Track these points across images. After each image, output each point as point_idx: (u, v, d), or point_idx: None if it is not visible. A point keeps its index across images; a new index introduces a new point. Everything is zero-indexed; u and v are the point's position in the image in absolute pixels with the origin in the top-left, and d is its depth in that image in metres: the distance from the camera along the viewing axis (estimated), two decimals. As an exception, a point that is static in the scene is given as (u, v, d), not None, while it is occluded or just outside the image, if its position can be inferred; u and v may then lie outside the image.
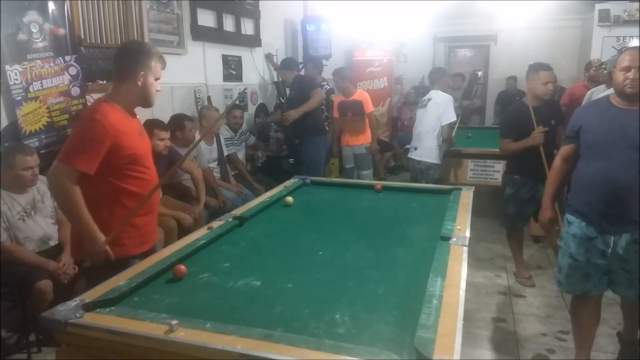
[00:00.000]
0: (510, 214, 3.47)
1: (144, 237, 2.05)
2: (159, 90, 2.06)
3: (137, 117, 2.11)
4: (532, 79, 3.30)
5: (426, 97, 4.23)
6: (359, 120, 4.81)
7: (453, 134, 4.29)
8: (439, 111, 4.04)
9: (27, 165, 2.57)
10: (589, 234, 2.16)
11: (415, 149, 4.17)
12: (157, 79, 2.02)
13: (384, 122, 7.14)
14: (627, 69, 2.03)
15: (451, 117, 4.06)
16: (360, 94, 4.89)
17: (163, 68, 2.06)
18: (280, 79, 5.26)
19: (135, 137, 2.00)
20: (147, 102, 2.04)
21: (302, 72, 5.28)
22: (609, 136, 2.07)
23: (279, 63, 5.38)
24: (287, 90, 4.92)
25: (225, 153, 4.29)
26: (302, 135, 4.60)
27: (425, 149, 4.09)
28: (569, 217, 2.26)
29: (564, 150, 2.37)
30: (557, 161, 2.42)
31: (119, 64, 1.98)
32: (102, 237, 1.89)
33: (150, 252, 2.00)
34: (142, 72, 1.95)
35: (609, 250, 2.11)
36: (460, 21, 8.22)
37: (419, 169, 4.13)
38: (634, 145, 2.01)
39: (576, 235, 2.21)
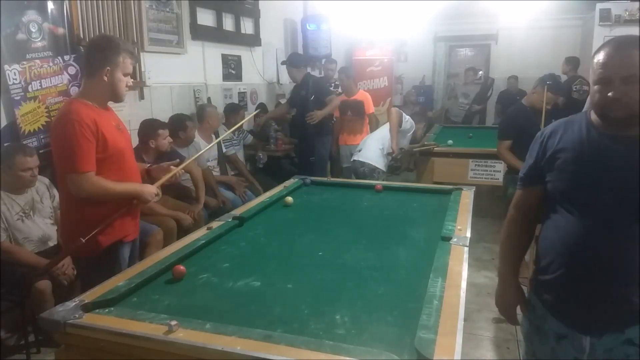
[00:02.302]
0: None
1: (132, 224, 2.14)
2: (130, 86, 2.07)
3: (112, 111, 2.12)
4: (537, 91, 3.28)
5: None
6: (358, 120, 4.81)
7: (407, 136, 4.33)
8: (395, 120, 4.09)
9: (27, 166, 2.56)
10: (556, 330, 1.42)
11: (360, 150, 4.15)
12: (126, 74, 2.02)
13: (383, 122, 7.12)
14: (606, 82, 1.26)
15: (408, 125, 4.16)
16: (362, 94, 4.89)
17: (133, 64, 2.05)
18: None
19: (114, 130, 2.03)
20: (115, 97, 2.05)
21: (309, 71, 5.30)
22: (586, 178, 1.33)
23: (277, 62, 5.40)
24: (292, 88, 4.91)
25: (224, 152, 4.28)
26: (314, 135, 4.59)
27: (369, 151, 4.07)
28: (532, 298, 1.54)
29: (521, 196, 1.55)
30: (512, 212, 1.58)
31: (87, 59, 1.99)
32: (144, 187, 2.06)
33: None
34: (109, 68, 1.96)
35: (584, 358, 1.37)
36: (461, 20, 8.20)
37: (362, 172, 4.07)
38: (623, 194, 1.27)
39: (540, 328, 1.48)
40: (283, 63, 4.97)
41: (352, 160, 4.24)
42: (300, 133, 4.67)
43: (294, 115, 4.82)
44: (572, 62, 6.01)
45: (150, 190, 2.08)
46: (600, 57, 1.28)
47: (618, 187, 1.27)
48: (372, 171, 4.03)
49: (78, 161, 1.86)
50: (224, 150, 4.27)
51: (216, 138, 4.18)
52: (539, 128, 3.25)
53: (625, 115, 1.25)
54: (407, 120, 4.18)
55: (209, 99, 4.52)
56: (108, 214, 1.97)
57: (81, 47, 3.18)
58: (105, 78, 1.96)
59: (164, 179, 2.21)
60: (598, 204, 1.30)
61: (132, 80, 2.08)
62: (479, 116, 8.11)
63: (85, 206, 1.95)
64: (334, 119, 5.01)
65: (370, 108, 4.83)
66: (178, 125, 3.60)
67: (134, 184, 2.06)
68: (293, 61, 4.78)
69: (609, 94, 1.24)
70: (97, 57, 1.95)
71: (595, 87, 1.29)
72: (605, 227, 1.29)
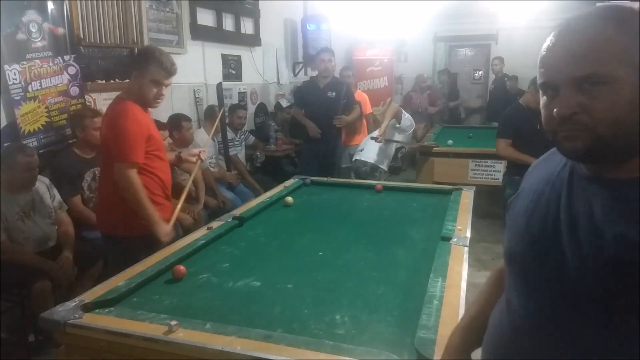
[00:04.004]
0: None
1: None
2: (162, 95, 2.24)
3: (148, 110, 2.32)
4: (532, 91, 3.29)
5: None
6: (357, 120, 4.80)
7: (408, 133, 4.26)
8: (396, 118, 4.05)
9: (27, 166, 2.56)
10: None
11: (361, 150, 4.13)
12: (154, 82, 2.16)
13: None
14: (552, 91, 0.76)
15: (407, 121, 4.08)
16: (360, 95, 4.89)
17: (166, 74, 2.20)
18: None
19: (153, 127, 2.29)
20: (144, 103, 2.22)
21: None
22: (531, 240, 0.84)
23: (277, 62, 5.37)
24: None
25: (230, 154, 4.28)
26: (337, 137, 4.54)
27: (371, 151, 4.05)
28: None
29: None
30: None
31: (129, 65, 2.24)
32: (163, 221, 2.17)
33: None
34: (137, 72, 2.16)
35: None
36: (461, 20, 8.21)
37: (363, 171, 4.05)
38: (582, 271, 0.74)
39: None
40: (325, 50, 4.54)
41: (353, 160, 4.23)
42: (324, 135, 4.40)
43: (307, 117, 4.50)
44: None
45: (166, 230, 2.16)
46: (543, 48, 0.78)
47: (577, 260, 0.73)
48: (374, 170, 4.02)
49: (129, 153, 2.09)
50: (230, 152, 4.26)
51: (221, 138, 4.19)
52: (535, 128, 3.25)
53: (583, 146, 0.72)
54: (407, 118, 4.17)
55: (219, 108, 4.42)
56: (158, 201, 2.20)
57: (81, 47, 3.19)
58: (137, 84, 2.17)
59: (192, 175, 2.57)
60: (541, 284, 0.80)
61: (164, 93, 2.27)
62: (480, 116, 8.11)
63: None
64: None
65: (367, 109, 4.83)
66: (174, 125, 3.60)
67: (158, 215, 2.16)
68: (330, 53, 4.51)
69: (554, 110, 0.74)
70: (133, 62, 2.21)
71: (542, 100, 0.79)
72: (550, 322, 0.78)
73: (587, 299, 0.72)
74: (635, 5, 0.71)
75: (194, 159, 2.51)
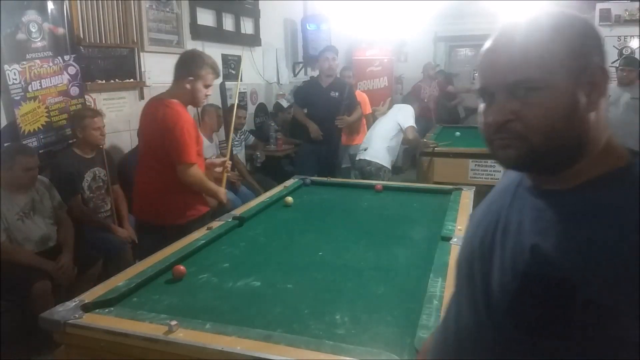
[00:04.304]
0: None
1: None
2: (209, 95, 2.43)
3: None
4: None
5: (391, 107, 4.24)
6: (357, 120, 4.79)
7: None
8: (397, 116, 4.04)
9: (27, 166, 2.56)
10: None
11: (365, 149, 4.11)
12: (207, 85, 2.37)
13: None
14: (487, 98, 0.73)
15: (410, 122, 4.05)
16: (360, 95, 4.88)
17: (216, 76, 2.41)
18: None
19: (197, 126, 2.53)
20: (194, 103, 2.45)
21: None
22: (466, 259, 0.82)
23: (277, 62, 5.35)
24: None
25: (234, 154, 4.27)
26: (338, 138, 4.53)
27: (375, 150, 4.03)
28: None
29: None
30: None
31: (176, 68, 2.38)
32: (221, 190, 2.54)
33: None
34: (191, 78, 2.32)
35: None
36: (461, 20, 8.20)
37: (368, 170, 4.03)
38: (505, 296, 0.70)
39: None
40: (330, 49, 4.49)
41: (357, 159, 4.22)
42: (326, 135, 4.36)
43: (309, 116, 4.45)
44: None
45: (222, 190, 2.55)
46: (480, 53, 0.75)
47: (500, 273, 0.71)
48: (379, 170, 4.01)
49: (189, 154, 2.29)
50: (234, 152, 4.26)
51: (217, 138, 4.19)
52: None
53: (516, 154, 0.70)
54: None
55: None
56: (191, 195, 2.41)
57: (81, 47, 3.19)
58: (188, 86, 2.32)
59: (224, 182, 2.72)
60: (472, 296, 0.77)
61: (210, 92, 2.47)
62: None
63: (177, 189, 2.34)
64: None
65: (367, 109, 4.82)
66: None
67: (217, 187, 2.52)
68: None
69: (489, 118, 0.72)
70: (184, 68, 2.34)
71: (479, 107, 0.76)
72: (474, 336, 0.76)
73: (506, 314, 0.68)
74: (573, 12, 0.70)
75: (219, 169, 2.76)
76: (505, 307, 0.68)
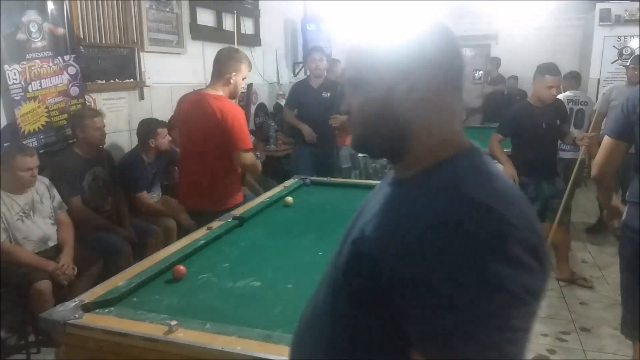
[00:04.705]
0: None
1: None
2: (243, 86, 2.72)
3: None
4: (537, 80, 3.27)
5: None
6: None
7: None
8: None
9: (27, 166, 2.55)
10: None
11: None
12: (244, 78, 2.61)
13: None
14: None
15: None
16: None
17: (250, 70, 2.64)
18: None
19: None
20: (234, 96, 2.65)
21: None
22: None
23: (277, 62, 5.30)
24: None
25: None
26: (333, 138, 4.45)
27: None
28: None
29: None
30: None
31: (217, 66, 2.57)
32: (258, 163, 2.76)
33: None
34: (234, 73, 2.52)
35: None
36: (461, 20, 8.19)
37: (373, 168, 4.07)
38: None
39: None
40: (316, 50, 4.46)
41: (360, 156, 4.22)
42: (320, 137, 4.29)
43: (302, 118, 4.44)
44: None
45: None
46: None
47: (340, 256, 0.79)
48: (384, 167, 4.05)
49: (245, 141, 2.51)
50: None
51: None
52: (539, 126, 3.24)
53: (352, 140, 0.83)
54: None
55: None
56: (235, 184, 2.67)
57: (81, 47, 3.19)
58: (231, 81, 2.53)
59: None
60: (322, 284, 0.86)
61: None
62: (480, 116, 8.09)
63: (224, 177, 2.56)
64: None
65: None
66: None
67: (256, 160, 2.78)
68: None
69: None
70: (227, 64, 2.54)
71: None
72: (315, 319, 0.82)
73: (339, 290, 0.74)
74: (442, 28, 0.81)
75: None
76: (340, 284, 0.73)
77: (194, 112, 2.54)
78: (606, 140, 1.97)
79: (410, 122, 0.73)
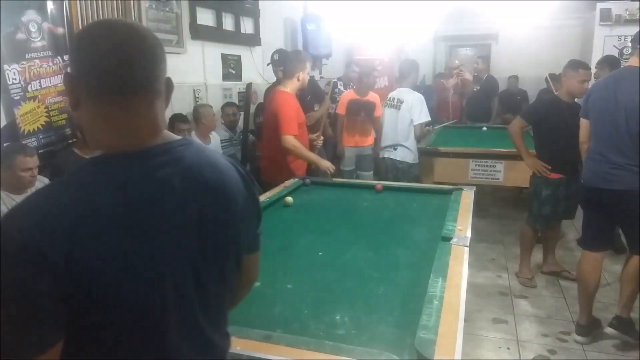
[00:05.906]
0: (546, 215, 3.40)
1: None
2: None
3: None
4: (569, 75, 3.25)
5: (395, 97, 4.13)
6: (369, 122, 4.71)
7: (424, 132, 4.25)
8: (412, 112, 4.00)
9: (27, 166, 2.55)
10: None
11: (395, 149, 4.11)
12: (308, 73, 3.14)
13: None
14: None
15: (424, 116, 4.02)
16: (374, 96, 4.73)
17: (312, 65, 3.21)
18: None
19: (300, 108, 3.25)
20: (303, 88, 3.22)
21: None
22: None
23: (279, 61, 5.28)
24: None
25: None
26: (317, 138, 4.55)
27: (406, 149, 4.05)
28: None
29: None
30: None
31: (287, 66, 3.20)
32: (322, 160, 3.22)
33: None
34: (302, 72, 3.09)
35: None
36: (461, 20, 8.21)
37: (400, 169, 4.07)
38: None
39: None
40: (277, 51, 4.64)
41: (381, 157, 4.23)
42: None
43: None
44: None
45: (326, 164, 3.16)
46: None
47: None
48: (410, 167, 4.09)
49: (287, 127, 3.00)
50: (228, 152, 4.27)
51: (218, 138, 4.18)
52: (566, 121, 3.19)
53: None
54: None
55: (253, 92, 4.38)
56: (297, 160, 3.19)
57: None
58: (300, 77, 3.10)
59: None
60: None
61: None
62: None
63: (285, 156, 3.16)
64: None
65: (379, 111, 4.68)
66: (172, 125, 3.60)
67: (317, 157, 3.29)
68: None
69: None
70: (296, 64, 3.12)
71: None
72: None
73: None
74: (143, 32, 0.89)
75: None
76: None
77: (267, 103, 3.34)
78: (582, 121, 2.81)
79: (82, 120, 0.92)
